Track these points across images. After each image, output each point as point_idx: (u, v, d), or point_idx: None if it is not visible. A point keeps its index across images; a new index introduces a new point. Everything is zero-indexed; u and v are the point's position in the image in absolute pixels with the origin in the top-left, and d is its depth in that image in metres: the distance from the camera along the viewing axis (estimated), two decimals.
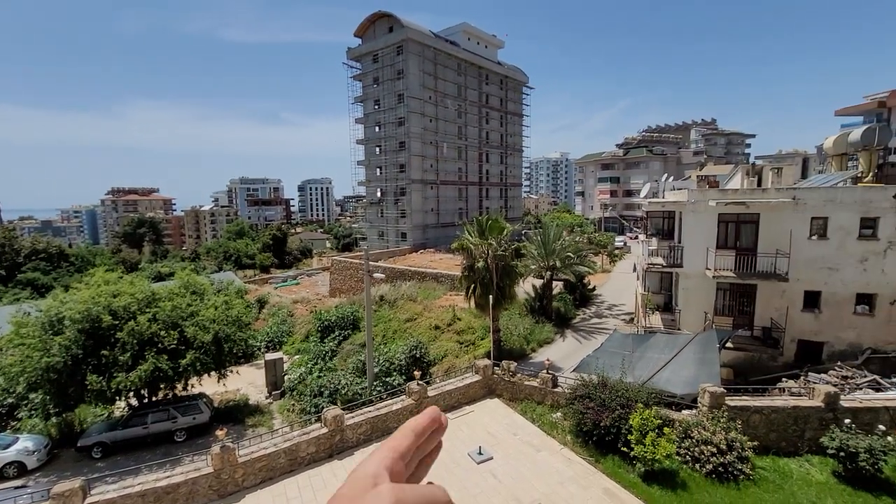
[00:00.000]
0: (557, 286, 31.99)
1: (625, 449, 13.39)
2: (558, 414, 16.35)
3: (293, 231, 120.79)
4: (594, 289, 36.09)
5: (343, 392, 20.44)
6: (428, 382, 18.38)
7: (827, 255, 19.17)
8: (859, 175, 23.12)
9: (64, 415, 19.99)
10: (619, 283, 39.66)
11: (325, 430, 14.80)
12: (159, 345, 18.80)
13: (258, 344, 33.44)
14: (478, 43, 74.92)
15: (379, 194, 67.71)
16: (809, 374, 18.06)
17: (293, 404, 23.46)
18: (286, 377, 27.05)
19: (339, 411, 15.23)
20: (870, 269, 18.70)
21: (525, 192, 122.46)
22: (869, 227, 18.68)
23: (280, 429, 16.88)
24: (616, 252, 54.00)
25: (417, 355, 23.10)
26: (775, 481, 12.76)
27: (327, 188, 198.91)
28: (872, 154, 22.81)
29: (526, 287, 29.72)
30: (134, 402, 20.72)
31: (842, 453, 12.52)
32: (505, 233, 22.98)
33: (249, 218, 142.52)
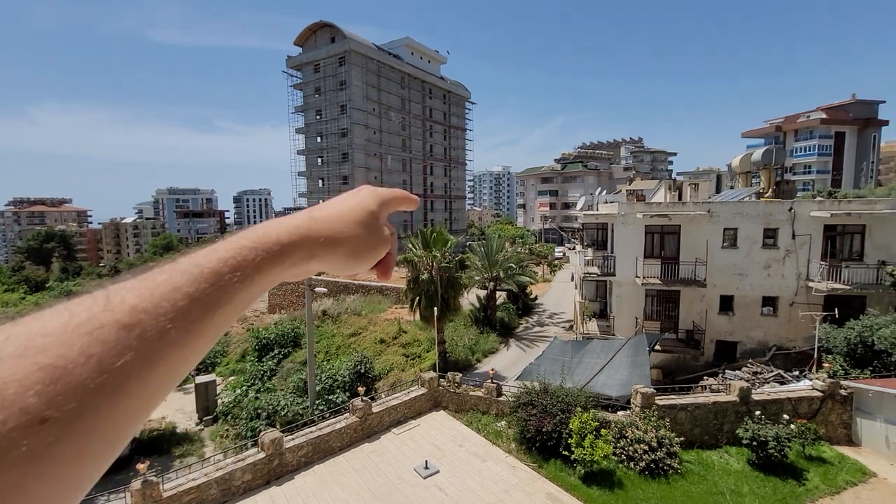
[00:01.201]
0: (501, 296, 32.74)
1: (566, 452, 13.83)
2: (503, 422, 16.60)
3: None
4: (536, 298, 37.31)
5: (283, 413, 19.43)
6: (373, 398, 17.97)
7: (737, 262, 21.23)
8: (761, 191, 25.94)
9: None
10: (559, 292, 41.32)
11: (262, 455, 13.97)
12: None
13: None
14: (421, 57, 76.02)
15: None
16: (726, 371, 19.74)
17: (227, 429, 21.93)
18: (219, 400, 25.29)
19: (277, 434, 14.47)
20: (772, 275, 20.93)
21: (469, 204, 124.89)
22: (770, 237, 20.96)
23: (212, 457, 15.70)
24: (556, 262, 56.30)
25: (362, 370, 22.56)
26: (700, 473, 13.76)
27: (266, 199, 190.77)
28: (771, 172, 25.71)
29: (470, 298, 30.14)
30: None
31: (754, 443, 13.78)
32: (449, 245, 23.22)
33: (179, 231, 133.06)
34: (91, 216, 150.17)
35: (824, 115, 73.58)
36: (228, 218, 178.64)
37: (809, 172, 74.61)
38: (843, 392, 15.48)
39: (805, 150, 75.43)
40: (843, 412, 15.54)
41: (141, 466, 12.92)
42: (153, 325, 0.42)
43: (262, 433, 14.85)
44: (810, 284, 20.07)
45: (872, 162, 74.49)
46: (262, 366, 28.50)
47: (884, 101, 75.14)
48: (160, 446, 20.60)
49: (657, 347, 20.63)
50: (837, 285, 19.28)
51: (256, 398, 22.53)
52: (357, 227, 0.64)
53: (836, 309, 18.64)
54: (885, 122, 74.77)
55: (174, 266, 0.47)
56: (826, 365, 16.75)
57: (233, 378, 30.20)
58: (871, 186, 57.55)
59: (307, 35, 65.25)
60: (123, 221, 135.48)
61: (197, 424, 24.02)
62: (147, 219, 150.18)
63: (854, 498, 12.74)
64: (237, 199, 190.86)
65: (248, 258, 0.50)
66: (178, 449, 20.54)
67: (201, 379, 25.51)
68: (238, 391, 25.97)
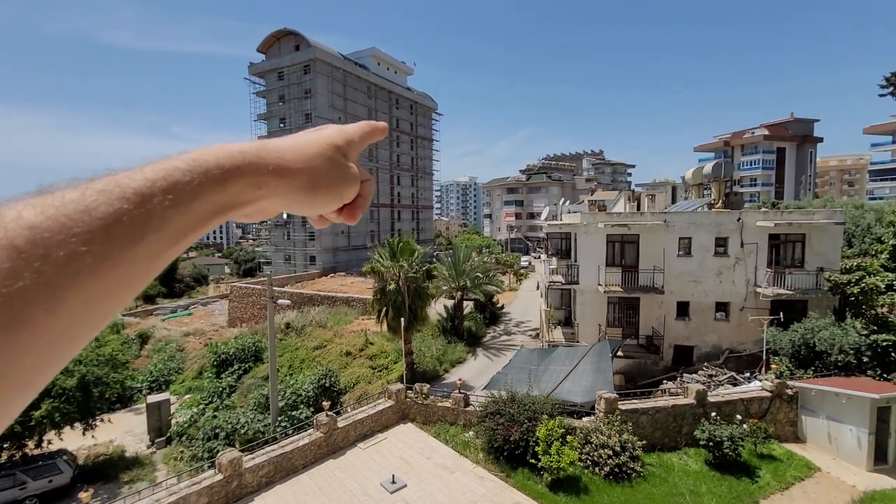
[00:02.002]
0: (468, 306, 32.83)
1: (533, 461, 13.92)
2: (471, 433, 16.53)
3: (185, 256, 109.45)
4: (503, 307, 37.66)
5: (243, 432, 18.62)
6: (338, 412, 17.51)
7: (692, 269, 22.22)
8: (712, 202, 27.37)
9: None
10: (526, 301, 41.89)
11: (219, 477, 13.28)
12: None
13: (139, 385, 29.34)
14: (387, 68, 76.21)
15: (285, 216, 64.41)
16: (684, 375, 20.53)
17: (182, 451, 20.79)
18: (173, 421, 23.95)
19: (236, 454, 13.81)
20: (724, 281, 22.03)
21: (436, 214, 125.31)
22: (721, 245, 22.09)
23: (164, 481, 14.79)
24: (522, 271, 57.18)
25: (327, 384, 21.99)
26: (661, 475, 14.14)
27: None
28: (721, 184, 27.22)
29: (438, 308, 30.07)
30: None
31: (711, 443, 14.33)
32: (416, 255, 23.14)
33: None
34: None
35: (767, 132, 78.90)
36: None
37: (755, 185, 79.54)
38: (789, 391, 16.39)
39: (751, 164, 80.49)
40: (790, 411, 16.44)
41: (84, 495, 12.01)
42: (59, 248, 0.35)
43: (219, 454, 14.14)
44: (758, 290, 21.25)
45: (810, 175, 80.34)
46: (221, 382, 27.29)
47: (818, 120, 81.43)
48: (106, 472, 19.24)
49: (619, 353, 21.19)
50: (782, 291, 20.50)
51: (214, 417, 21.50)
52: (315, 158, 0.58)
53: (782, 313, 19.81)
54: (820, 139, 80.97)
55: (89, 184, 0.40)
56: (773, 366, 17.71)
57: (189, 396, 28.72)
58: (810, 198, 61.99)
59: (271, 42, 64.11)
60: None
61: (148, 447, 22.61)
62: None
63: (801, 492, 13.44)
64: None
65: (181, 181, 0.43)
66: (126, 474, 19.23)
67: (153, 398, 24.12)
68: (194, 410, 24.72)
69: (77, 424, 18.81)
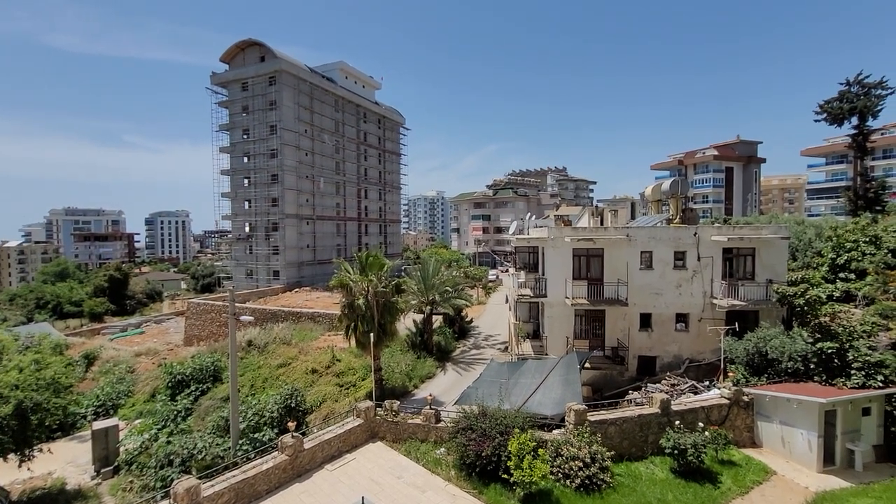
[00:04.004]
0: (437, 320, 32.68)
1: (505, 476, 13.79)
2: (442, 449, 16.27)
3: (138, 271, 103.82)
4: (472, 321, 37.71)
5: (200, 457, 17.55)
6: (304, 433, 16.83)
7: (653, 282, 23.07)
8: (670, 217, 28.66)
9: None
10: (494, 315, 42.13)
11: None
12: None
13: (83, 411, 27.25)
14: (355, 82, 76.17)
15: (247, 229, 62.44)
16: (648, 384, 21.11)
17: (132, 481, 19.37)
18: (122, 448, 22.31)
19: (193, 481, 12.94)
20: (683, 293, 22.97)
21: (404, 228, 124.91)
22: (680, 258, 23.09)
23: None
24: (490, 285, 57.60)
25: (292, 404, 21.14)
26: (629, 485, 14.35)
27: (184, 222, 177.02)
28: (678, 201, 28.58)
29: (407, 322, 29.75)
30: None
31: (675, 451, 14.72)
32: (385, 269, 22.88)
33: (77, 256, 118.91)
34: None
35: (716, 152, 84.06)
36: (139, 242, 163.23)
37: (707, 202, 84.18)
38: (745, 398, 17.15)
39: (703, 182, 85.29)
40: (747, 417, 17.19)
41: None
42: None
43: (174, 482, 13.22)
44: (714, 301, 22.28)
45: (755, 193, 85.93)
46: (176, 405, 25.72)
47: (761, 142, 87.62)
48: None
49: (587, 365, 21.56)
50: (736, 302, 21.59)
51: (168, 442, 20.17)
52: None
53: (736, 323, 20.82)
54: (763, 160, 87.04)
55: None
56: (730, 374, 18.50)
57: (139, 421, 26.89)
58: (756, 214, 66.23)
59: (235, 52, 62.81)
60: (5, 245, 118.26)
61: (93, 478, 20.91)
62: (37, 242, 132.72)
63: (760, 496, 13.98)
64: (150, 222, 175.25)
65: None
66: None
67: (99, 424, 22.41)
68: (146, 436, 23.13)
69: (12, 456, 17.16)
